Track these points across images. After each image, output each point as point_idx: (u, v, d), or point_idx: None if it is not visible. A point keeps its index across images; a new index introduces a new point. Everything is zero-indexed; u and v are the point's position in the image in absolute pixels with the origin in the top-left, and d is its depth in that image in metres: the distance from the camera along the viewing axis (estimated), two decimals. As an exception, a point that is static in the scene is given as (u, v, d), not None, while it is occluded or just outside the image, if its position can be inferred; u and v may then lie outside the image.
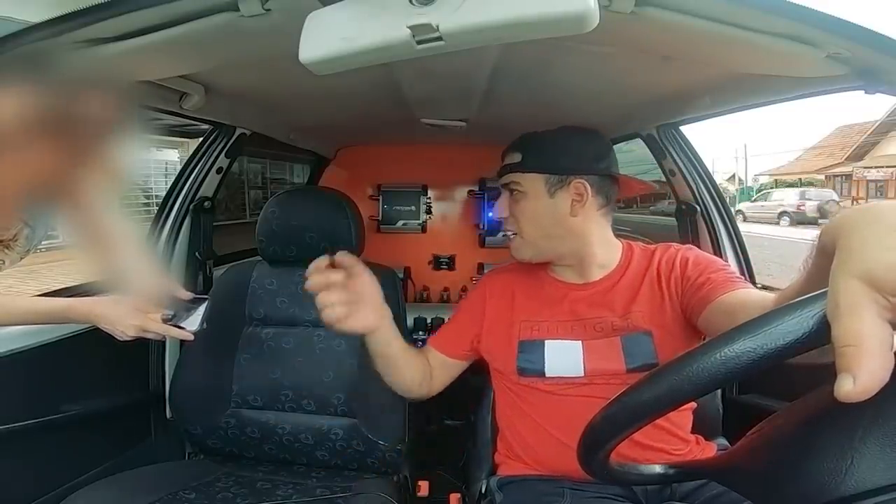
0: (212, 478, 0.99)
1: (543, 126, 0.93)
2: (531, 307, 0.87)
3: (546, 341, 0.83)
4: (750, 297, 0.68)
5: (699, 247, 1.09)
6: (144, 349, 1.22)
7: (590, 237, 0.84)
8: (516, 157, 0.84)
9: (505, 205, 0.87)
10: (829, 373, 0.26)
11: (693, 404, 0.86)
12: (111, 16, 0.52)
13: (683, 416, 0.84)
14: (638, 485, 0.73)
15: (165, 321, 0.87)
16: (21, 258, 0.79)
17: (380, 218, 1.99)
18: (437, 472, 1.57)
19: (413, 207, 2.00)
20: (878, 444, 0.27)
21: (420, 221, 2.00)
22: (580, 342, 0.82)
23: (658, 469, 0.47)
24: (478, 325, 0.91)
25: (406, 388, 0.88)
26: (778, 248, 7.66)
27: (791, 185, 22.41)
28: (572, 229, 0.83)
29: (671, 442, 0.81)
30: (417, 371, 0.88)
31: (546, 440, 0.83)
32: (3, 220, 0.70)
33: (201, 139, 1.36)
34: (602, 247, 0.86)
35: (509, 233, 0.87)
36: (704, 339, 0.83)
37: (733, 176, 27.98)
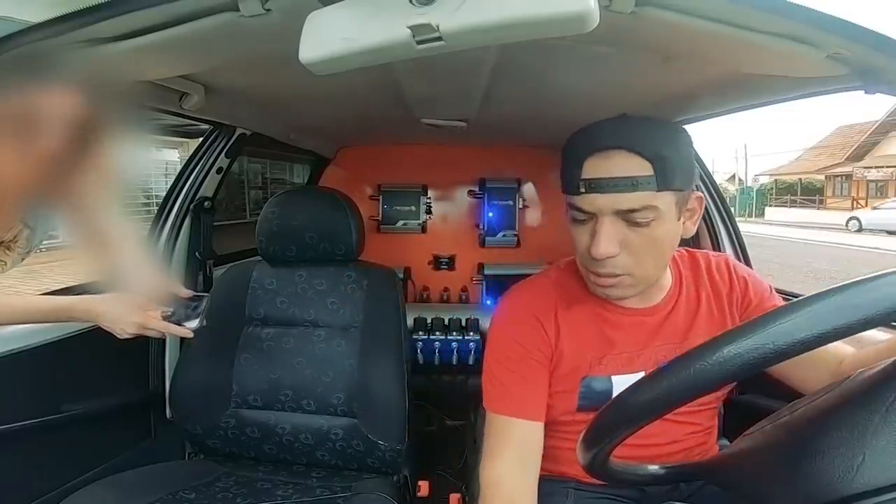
0: (212, 478, 0.99)
1: (543, 125, 0.91)
2: (594, 339, 0.73)
3: (613, 377, 0.72)
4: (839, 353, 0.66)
5: (699, 247, 1.09)
6: (144, 349, 1.22)
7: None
8: (645, 168, 0.59)
9: (614, 237, 0.62)
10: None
11: (717, 405, 0.81)
12: (111, 16, 0.52)
13: (710, 416, 0.78)
14: (634, 485, 0.73)
15: (165, 319, 0.87)
16: (22, 259, 0.79)
17: (380, 218, 1.99)
18: (437, 472, 1.57)
19: (413, 207, 2.00)
20: (890, 441, 0.27)
21: (420, 221, 2.00)
22: (643, 373, 0.71)
23: (653, 470, 0.47)
24: (547, 370, 0.73)
25: None
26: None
27: (790, 185, 22.43)
28: (673, 253, 0.69)
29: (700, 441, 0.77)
30: None
31: (555, 442, 0.78)
32: (4, 221, 0.71)
33: (201, 139, 1.36)
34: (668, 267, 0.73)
35: (614, 273, 0.65)
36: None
37: (733, 176, 28.00)
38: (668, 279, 0.74)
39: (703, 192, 1.26)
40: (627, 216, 0.61)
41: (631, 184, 0.59)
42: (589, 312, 0.73)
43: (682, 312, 0.73)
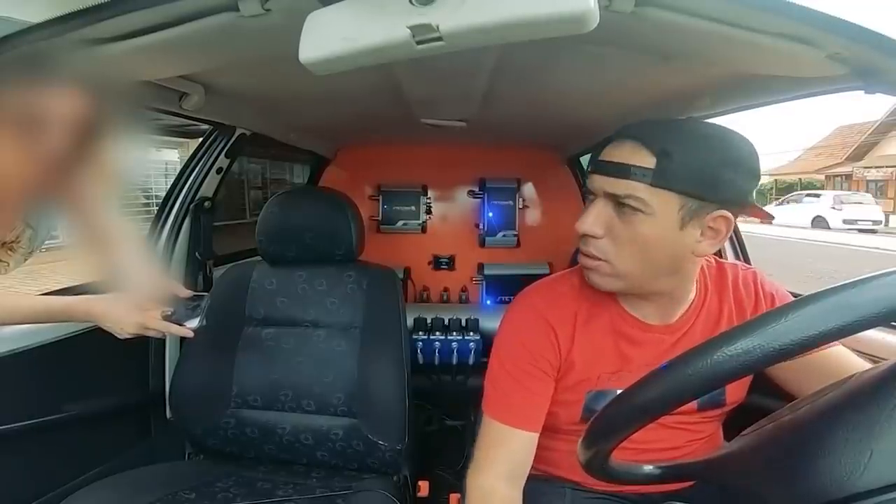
0: (212, 478, 0.98)
1: (543, 125, 0.90)
2: (609, 354, 0.71)
3: (619, 391, 0.73)
4: (841, 362, 0.65)
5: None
6: (144, 349, 1.22)
7: (694, 275, 0.69)
8: (646, 160, 0.60)
9: (601, 218, 0.64)
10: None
11: (723, 415, 0.79)
12: (111, 16, 0.52)
13: (714, 426, 0.78)
14: (630, 485, 0.72)
15: (165, 318, 0.87)
16: (25, 259, 0.79)
17: (380, 218, 1.99)
18: (437, 472, 1.57)
19: (413, 207, 2.00)
20: None
21: (420, 221, 2.00)
22: None
23: (651, 469, 0.47)
24: (552, 379, 0.72)
25: None
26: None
27: (791, 185, 22.42)
28: (685, 268, 0.66)
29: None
30: None
31: (555, 444, 0.79)
32: (6, 221, 0.71)
33: (201, 139, 1.36)
34: (694, 281, 0.71)
35: (594, 255, 0.65)
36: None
37: (733, 176, 27.93)
38: (690, 294, 0.71)
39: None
40: (618, 201, 0.62)
41: (624, 170, 0.61)
42: (608, 325, 0.71)
43: (701, 327, 0.71)
